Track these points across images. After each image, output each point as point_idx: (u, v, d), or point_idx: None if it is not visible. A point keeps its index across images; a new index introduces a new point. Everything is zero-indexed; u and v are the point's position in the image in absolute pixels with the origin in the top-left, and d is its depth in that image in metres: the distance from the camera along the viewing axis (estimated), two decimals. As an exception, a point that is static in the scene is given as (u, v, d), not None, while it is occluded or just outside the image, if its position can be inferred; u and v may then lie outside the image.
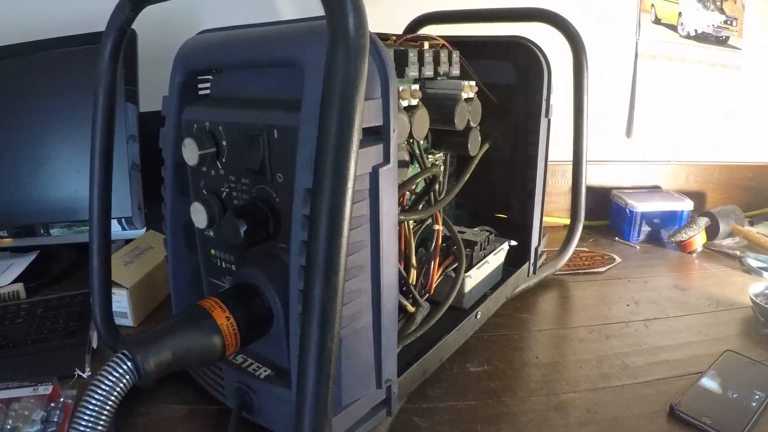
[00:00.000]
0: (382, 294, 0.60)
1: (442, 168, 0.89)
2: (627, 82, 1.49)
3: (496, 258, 0.94)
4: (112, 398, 0.48)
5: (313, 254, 0.44)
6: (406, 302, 0.76)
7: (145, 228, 1.09)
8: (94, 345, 0.86)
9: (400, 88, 0.68)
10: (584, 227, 1.14)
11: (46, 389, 0.71)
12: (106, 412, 0.48)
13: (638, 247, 1.32)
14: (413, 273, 0.80)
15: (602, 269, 1.17)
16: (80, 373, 0.79)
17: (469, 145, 0.86)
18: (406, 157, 0.74)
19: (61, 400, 0.72)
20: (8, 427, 0.65)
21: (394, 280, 0.62)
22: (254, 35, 0.61)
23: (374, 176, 0.55)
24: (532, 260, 1.01)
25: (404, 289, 0.77)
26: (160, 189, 0.74)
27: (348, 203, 0.43)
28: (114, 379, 0.49)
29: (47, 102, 1.08)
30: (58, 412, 0.69)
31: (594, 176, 1.48)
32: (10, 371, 0.79)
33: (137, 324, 0.94)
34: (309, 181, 0.52)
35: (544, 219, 1.05)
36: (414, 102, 0.70)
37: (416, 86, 0.71)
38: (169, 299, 1.02)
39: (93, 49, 1.04)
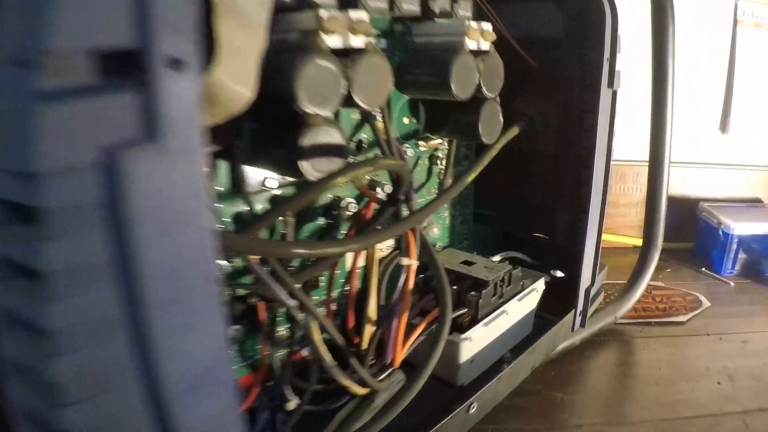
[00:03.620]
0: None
1: (432, 162, 0.56)
2: (723, 58, 1.13)
3: (523, 304, 0.60)
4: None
5: None
6: (348, 380, 0.45)
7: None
8: None
9: (326, 15, 0.38)
10: (664, 250, 0.84)
11: None
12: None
13: (732, 284, 0.97)
14: (368, 333, 0.50)
15: (683, 318, 0.82)
16: None
17: (479, 127, 0.54)
18: (340, 140, 0.42)
19: None
20: None
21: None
22: None
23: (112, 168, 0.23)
24: (579, 308, 0.66)
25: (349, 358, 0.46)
26: None
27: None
28: None
29: None
30: None
31: (676, 183, 1.13)
32: None
33: None
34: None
35: (607, 238, 0.80)
36: (358, 43, 0.40)
37: (363, 15, 0.40)
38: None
39: None
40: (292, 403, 0.45)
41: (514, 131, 0.59)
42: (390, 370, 0.48)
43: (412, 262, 0.47)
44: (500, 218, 0.73)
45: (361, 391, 0.46)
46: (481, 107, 0.54)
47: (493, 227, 0.74)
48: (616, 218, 1.08)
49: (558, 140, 0.65)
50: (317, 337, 0.44)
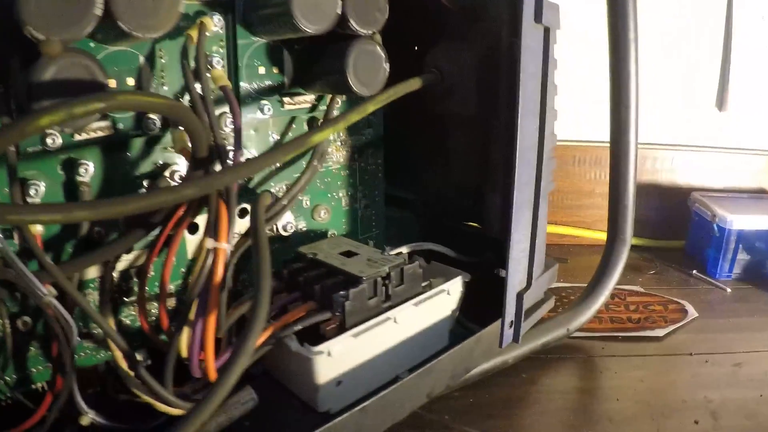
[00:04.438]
0: None
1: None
2: (719, 18, 0.98)
3: (427, 310, 0.46)
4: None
5: None
6: (148, 396, 0.36)
7: None
8: None
9: None
10: (649, 249, 0.83)
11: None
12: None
13: (729, 290, 0.82)
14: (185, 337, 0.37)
15: (660, 332, 0.67)
16: None
17: (348, 73, 0.41)
18: (93, 75, 0.31)
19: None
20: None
21: None
22: None
23: None
24: (508, 319, 0.51)
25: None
26: None
27: None
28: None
29: None
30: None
31: (664, 169, 1.01)
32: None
33: None
34: None
35: (580, 233, 0.80)
36: None
37: None
38: None
39: None
40: (85, 418, 0.36)
41: (413, 84, 0.46)
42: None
43: (219, 245, 0.34)
44: (423, 202, 0.59)
45: (172, 411, 0.36)
46: (351, 46, 0.40)
47: (417, 214, 0.61)
48: (591, 210, 0.95)
49: (480, 99, 0.51)
50: (113, 344, 0.35)
